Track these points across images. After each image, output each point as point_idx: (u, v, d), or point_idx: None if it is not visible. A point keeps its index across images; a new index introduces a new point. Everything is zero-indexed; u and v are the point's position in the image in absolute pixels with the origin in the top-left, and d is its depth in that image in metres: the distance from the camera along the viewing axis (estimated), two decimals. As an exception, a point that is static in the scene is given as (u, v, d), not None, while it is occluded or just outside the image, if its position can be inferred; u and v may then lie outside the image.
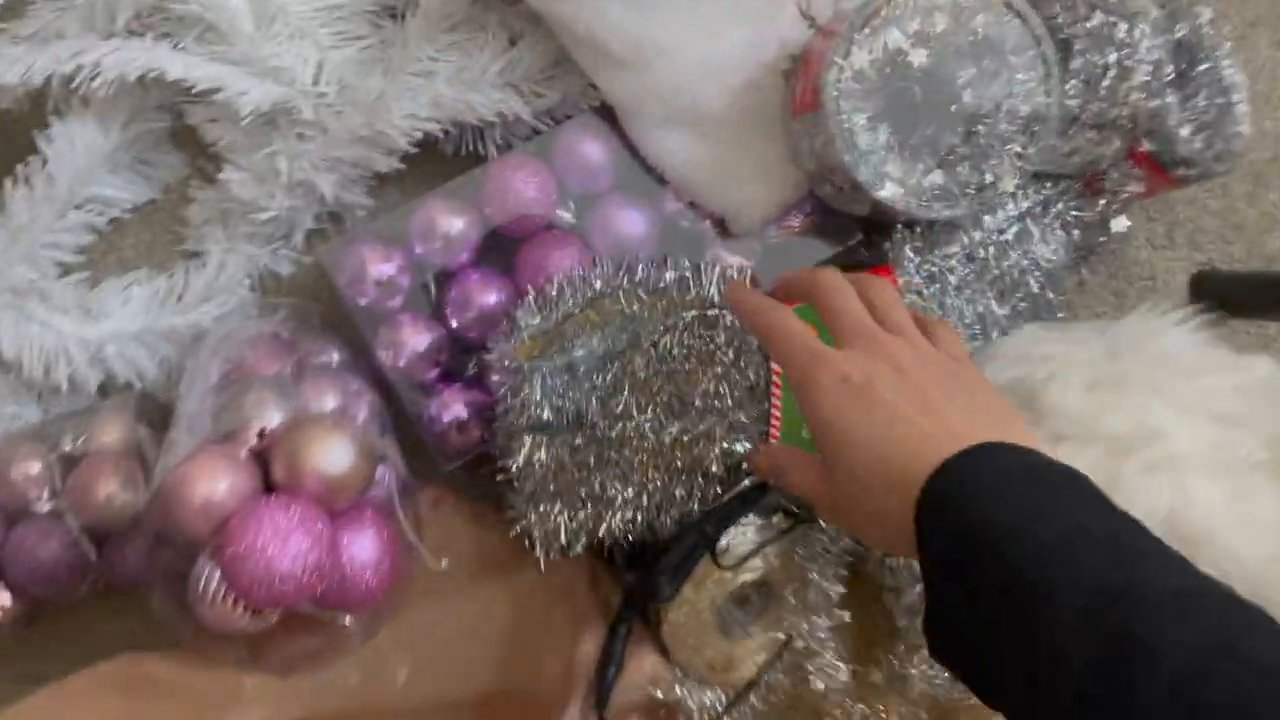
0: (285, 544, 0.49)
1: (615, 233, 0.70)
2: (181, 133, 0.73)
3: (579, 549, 0.65)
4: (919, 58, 0.60)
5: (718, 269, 0.63)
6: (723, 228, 0.71)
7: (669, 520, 0.68)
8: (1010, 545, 0.39)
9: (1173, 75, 0.67)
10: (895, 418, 0.46)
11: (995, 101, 0.61)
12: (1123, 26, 0.65)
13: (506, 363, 0.62)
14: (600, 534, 0.66)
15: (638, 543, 0.72)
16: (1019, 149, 0.62)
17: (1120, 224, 0.74)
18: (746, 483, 0.70)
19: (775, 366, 0.65)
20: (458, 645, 0.61)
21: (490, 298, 0.68)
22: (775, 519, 0.71)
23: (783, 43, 0.66)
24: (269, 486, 0.53)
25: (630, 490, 0.67)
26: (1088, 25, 0.65)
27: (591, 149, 0.70)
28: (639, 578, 0.71)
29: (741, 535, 0.71)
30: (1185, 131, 0.68)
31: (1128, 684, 0.34)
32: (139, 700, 0.53)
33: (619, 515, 0.67)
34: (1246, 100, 0.69)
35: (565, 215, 0.70)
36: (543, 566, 0.64)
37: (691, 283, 0.63)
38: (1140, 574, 0.37)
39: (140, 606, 0.73)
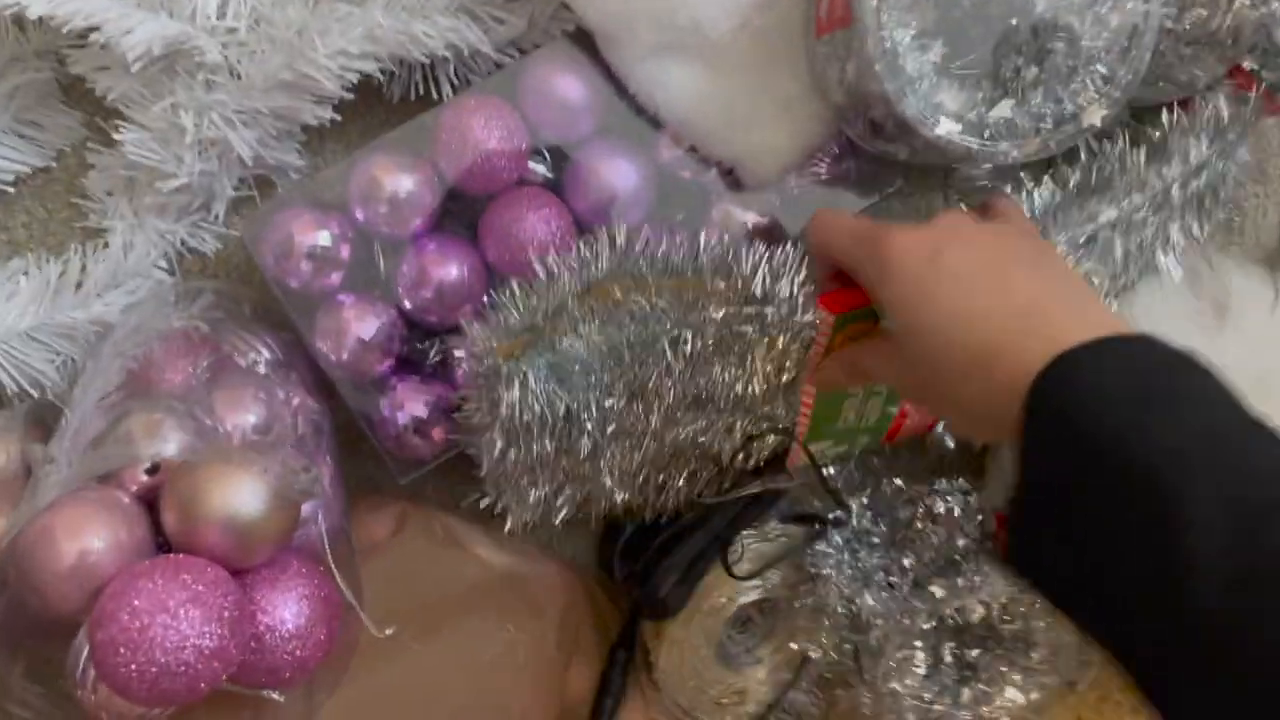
0: (175, 624, 0.37)
1: (600, 187, 0.58)
2: (74, 86, 0.61)
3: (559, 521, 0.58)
4: None
5: (762, 251, 0.52)
6: (732, 178, 0.59)
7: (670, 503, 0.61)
8: (1143, 446, 0.37)
9: None
10: (974, 291, 0.43)
11: (1077, 8, 0.48)
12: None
13: (482, 361, 0.51)
14: (590, 511, 0.59)
15: (639, 553, 0.62)
16: (1104, 71, 0.49)
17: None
18: (758, 485, 0.60)
19: (811, 354, 0.55)
20: (423, 705, 0.50)
21: (450, 271, 0.57)
22: (774, 528, 0.61)
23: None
24: (162, 539, 0.42)
25: (625, 481, 0.58)
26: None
27: (568, 85, 0.58)
28: (639, 586, 0.61)
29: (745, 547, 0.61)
30: None
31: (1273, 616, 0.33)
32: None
33: (612, 498, 0.59)
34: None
35: (538, 168, 0.59)
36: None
37: (731, 267, 0.51)
38: None
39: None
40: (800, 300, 0.53)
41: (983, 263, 0.44)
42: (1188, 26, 0.53)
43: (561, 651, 0.60)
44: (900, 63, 0.48)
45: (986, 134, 0.49)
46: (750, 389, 0.56)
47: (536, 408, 0.51)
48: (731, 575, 0.61)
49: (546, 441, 0.53)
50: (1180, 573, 0.34)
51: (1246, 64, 0.57)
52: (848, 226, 0.49)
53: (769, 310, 0.53)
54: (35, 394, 0.59)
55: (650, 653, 0.64)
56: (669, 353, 0.52)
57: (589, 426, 0.53)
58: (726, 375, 0.54)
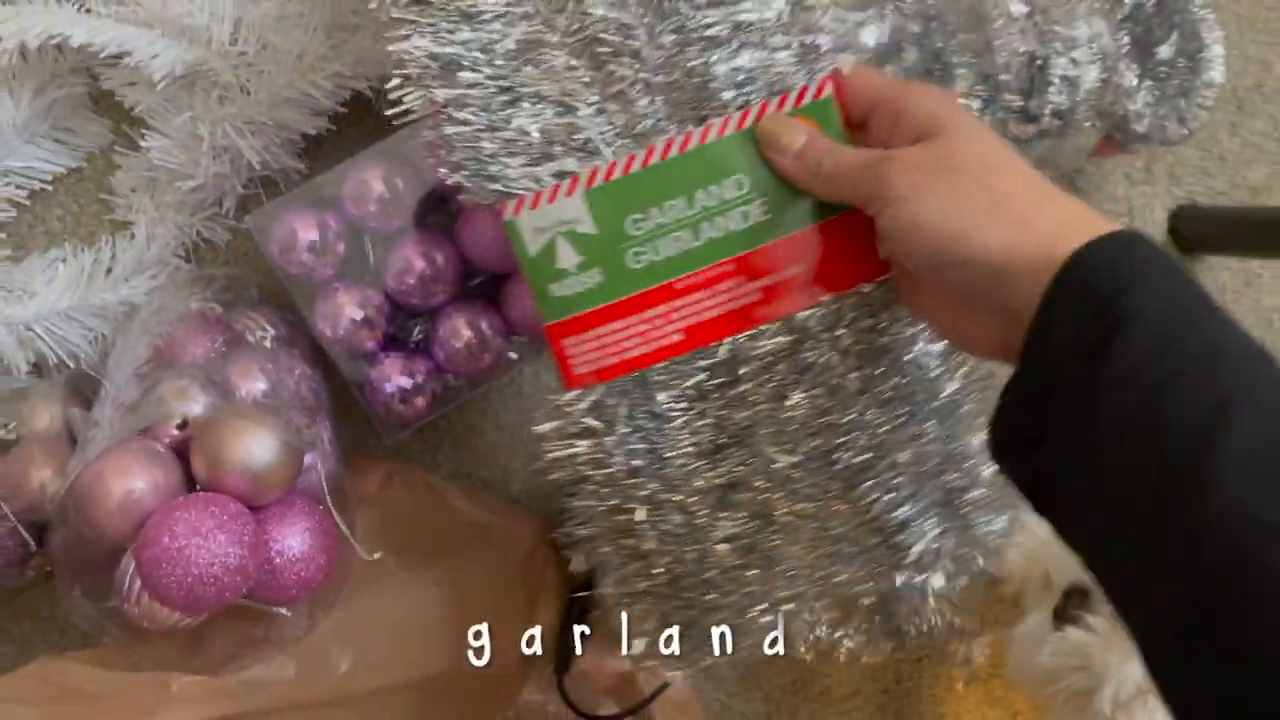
0: (204, 545, 0.47)
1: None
2: (103, 97, 0.70)
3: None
4: None
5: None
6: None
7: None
8: (1182, 346, 0.35)
9: (1128, 46, 0.64)
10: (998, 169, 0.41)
11: None
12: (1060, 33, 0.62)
13: None
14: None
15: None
16: None
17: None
18: None
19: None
20: (404, 629, 0.60)
21: (429, 259, 0.65)
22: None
23: None
24: (192, 482, 0.51)
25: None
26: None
27: (532, 102, 0.66)
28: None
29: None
30: (1141, 105, 0.65)
31: None
32: (57, 711, 0.51)
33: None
34: (1221, 43, 0.66)
35: None
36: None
37: None
38: None
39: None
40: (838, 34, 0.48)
41: (990, 161, 0.42)
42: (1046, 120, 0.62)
43: (526, 586, 0.69)
44: None
45: None
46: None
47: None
48: None
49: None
50: (1206, 482, 0.32)
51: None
52: (878, 77, 0.46)
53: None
54: (71, 365, 0.68)
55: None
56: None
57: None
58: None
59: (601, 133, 0.47)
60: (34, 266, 0.68)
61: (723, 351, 0.49)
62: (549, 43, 0.46)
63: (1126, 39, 0.65)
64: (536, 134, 0.47)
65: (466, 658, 0.60)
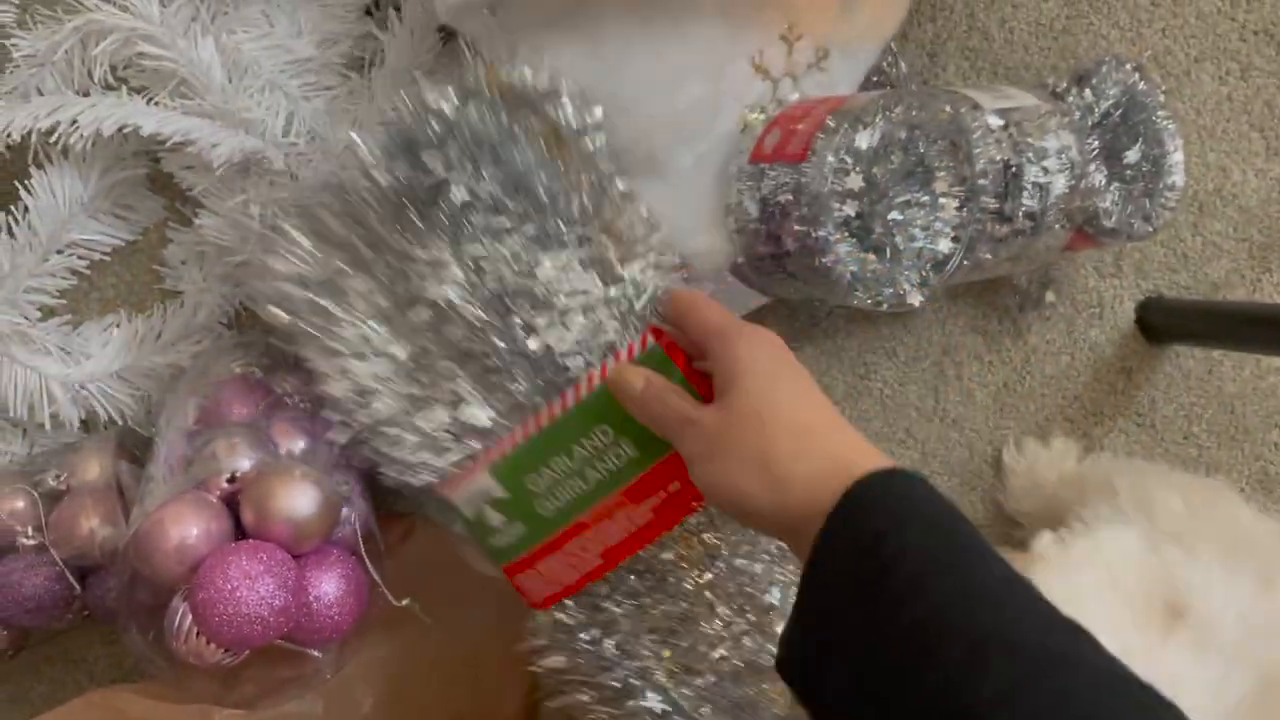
0: (254, 588, 0.52)
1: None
2: (159, 177, 0.76)
3: None
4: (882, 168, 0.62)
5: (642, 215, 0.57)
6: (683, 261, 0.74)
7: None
8: (932, 580, 0.39)
9: (1096, 149, 0.71)
10: (800, 394, 0.48)
11: (909, 230, 0.65)
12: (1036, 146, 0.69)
13: None
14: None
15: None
16: (918, 275, 0.65)
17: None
18: None
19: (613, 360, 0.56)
20: (422, 675, 0.64)
21: None
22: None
23: (736, 96, 0.69)
24: (240, 530, 0.57)
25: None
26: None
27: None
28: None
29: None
30: (1110, 203, 0.72)
31: None
32: (114, 735, 0.56)
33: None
34: (1182, 150, 0.73)
35: None
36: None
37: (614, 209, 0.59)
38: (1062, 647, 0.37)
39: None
40: (645, 290, 0.56)
41: (800, 389, 0.49)
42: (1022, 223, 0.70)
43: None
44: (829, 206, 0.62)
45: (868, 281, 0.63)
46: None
47: None
48: None
49: None
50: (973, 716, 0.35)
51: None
52: (705, 314, 0.53)
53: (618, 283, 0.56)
54: (119, 422, 0.74)
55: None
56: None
57: None
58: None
59: (490, 417, 0.56)
60: (90, 331, 0.74)
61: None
62: (432, 353, 0.56)
63: (1096, 144, 0.72)
64: (441, 430, 0.57)
65: (481, 705, 0.64)
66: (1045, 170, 0.69)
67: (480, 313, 0.55)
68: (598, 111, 0.57)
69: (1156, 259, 0.87)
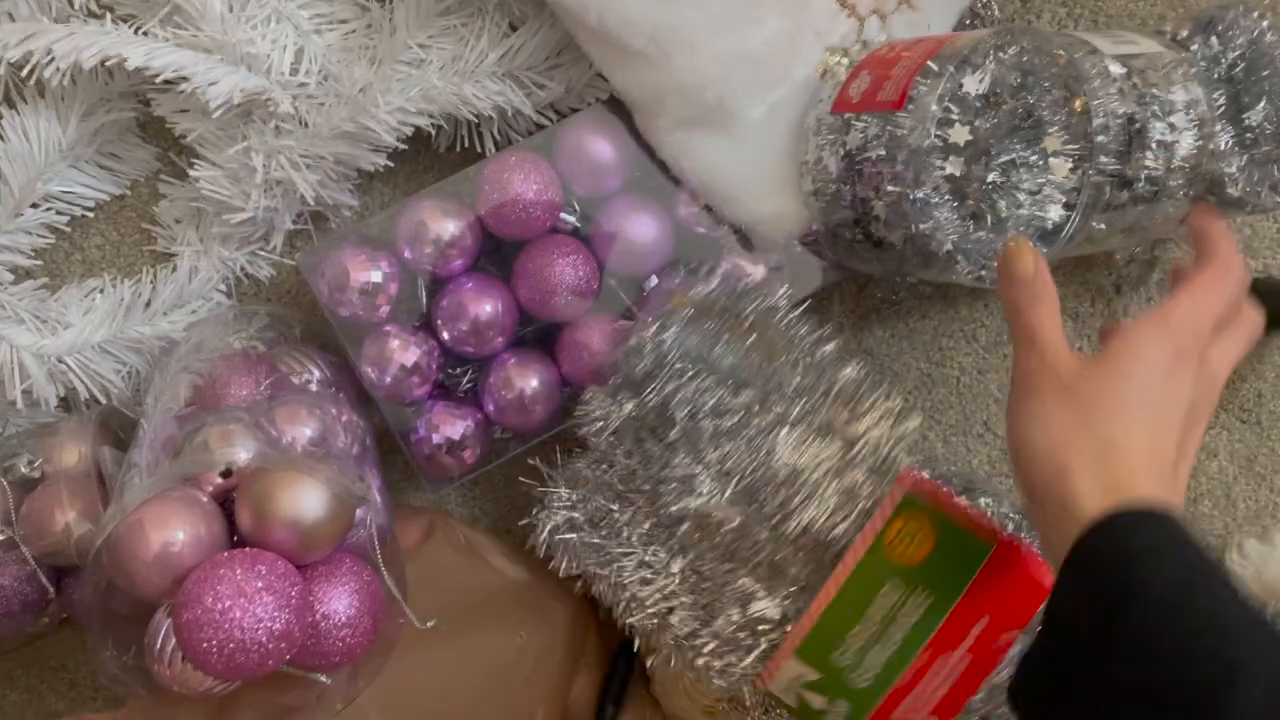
0: (249, 609, 0.43)
1: (624, 238, 0.64)
2: (151, 123, 0.67)
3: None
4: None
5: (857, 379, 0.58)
6: (741, 234, 0.65)
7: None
8: (1187, 617, 0.38)
9: (1223, 106, 0.62)
10: (1167, 414, 0.45)
11: (1014, 194, 0.56)
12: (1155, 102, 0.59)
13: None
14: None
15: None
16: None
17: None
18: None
19: (866, 527, 0.56)
20: (444, 699, 0.56)
21: (485, 307, 0.63)
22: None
23: (818, 33, 0.60)
24: (235, 535, 0.48)
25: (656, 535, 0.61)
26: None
27: (599, 147, 0.63)
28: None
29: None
30: (1235, 168, 0.63)
31: None
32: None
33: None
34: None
35: (568, 218, 0.65)
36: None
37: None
38: None
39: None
40: (884, 442, 0.57)
41: (1174, 408, 0.46)
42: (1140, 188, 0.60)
43: (568, 659, 0.65)
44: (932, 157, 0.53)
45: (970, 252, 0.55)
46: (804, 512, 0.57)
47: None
48: None
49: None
50: None
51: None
52: (1037, 320, 0.49)
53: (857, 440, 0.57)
54: (103, 400, 0.65)
55: (648, 665, 0.69)
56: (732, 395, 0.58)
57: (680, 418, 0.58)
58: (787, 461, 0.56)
59: (778, 605, 0.58)
60: (70, 297, 0.65)
61: None
62: (708, 559, 0.59)
63: (1223, 100, 0.63)
64: (739, 631, 0.58)
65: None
66: (1172, 127, 0.60)
67: (735, 513, 0.57)
68: (784, 289, 0.61)
69: (1268, 235, 0.78)
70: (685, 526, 0.58)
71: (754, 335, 0.59)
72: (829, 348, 0.59)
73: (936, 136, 0.53)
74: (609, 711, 0.68)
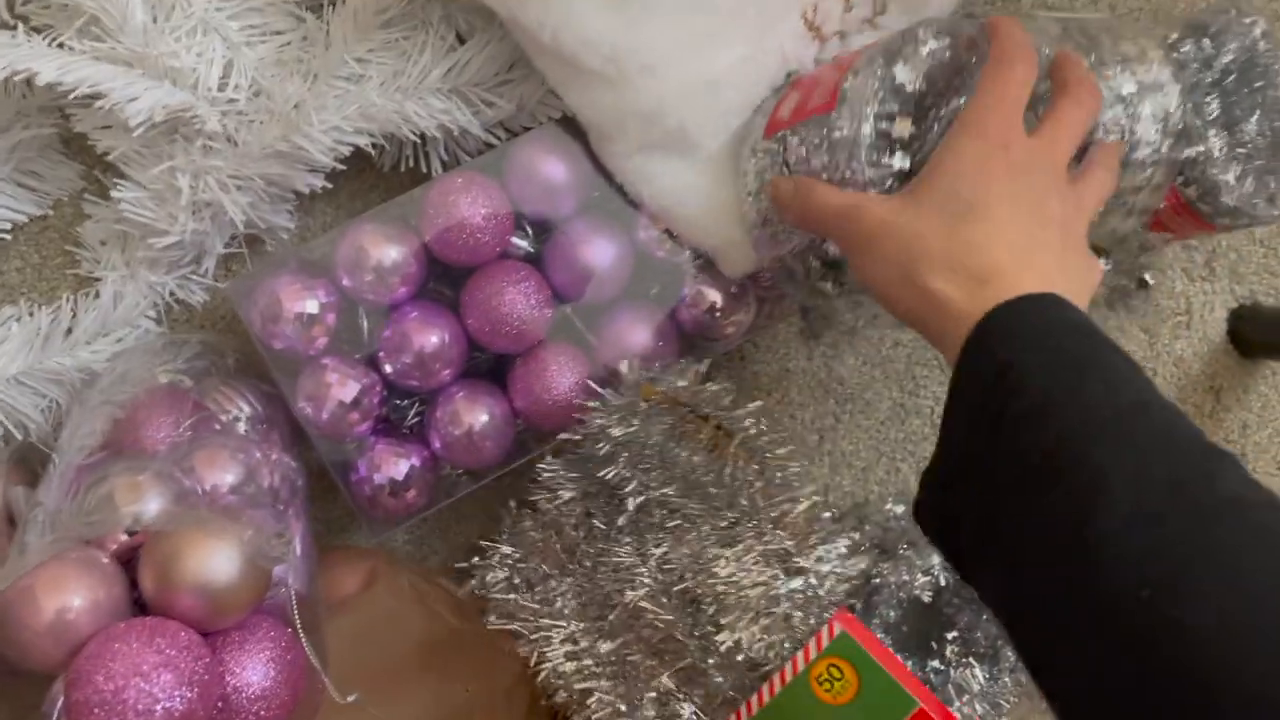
0: (148, 687, 0.39)
1: (579, 263, 0.60)
2: (74, 139, 0.63)
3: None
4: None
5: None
6: (704, 259, 0.61)
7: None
8: (1071, 412, 0.38)
9: (1216, 113, 0.58)
10: (1034, 210, 0.45)
11: None
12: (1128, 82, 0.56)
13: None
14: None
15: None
16: None
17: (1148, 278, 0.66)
18: None
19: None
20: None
21: (431, 338, 0.59)
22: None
23: (785, 57, 0.56)
24: (138, 597, 0.44)
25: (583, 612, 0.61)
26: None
27: (552, 167, 0.60)
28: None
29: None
30: (1231, 177, 0.60)
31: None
32: None
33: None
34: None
35: (520, 243, 0.61)
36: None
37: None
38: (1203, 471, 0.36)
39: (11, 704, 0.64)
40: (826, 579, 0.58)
41: (1042, 196, 0.46)
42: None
43: (512, 707, 0.62)
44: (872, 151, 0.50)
45: None
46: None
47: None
48: None
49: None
50: (1093, 548, 0.35)
51: (1185, 195, 0.61)
52: (823, 205, 0.49)
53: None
54: (20, 436, 0.61)
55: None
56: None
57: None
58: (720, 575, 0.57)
59: (693, 713, 0.57)
60: (-16, 325, 0.61)
61: None
62: (635, 652, 0.58)
63: (1216, 108, 0.60)
64: None
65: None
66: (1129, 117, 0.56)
67: (669, 615, 0.57)
68: (755, 405, 0.60)
69: (1254, 260, 0.75)
70: (616, 613, 0.57)
71: (719, 441, 0.58)
72: (793, 467, 0.59)
73: (877, 127, 0.50)
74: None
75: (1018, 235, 0.44)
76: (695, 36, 0.54)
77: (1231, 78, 0.62)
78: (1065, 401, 0.38)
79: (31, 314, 0.62)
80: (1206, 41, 0.61)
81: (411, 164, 0.63)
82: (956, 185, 0.45)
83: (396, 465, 0.60)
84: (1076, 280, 0.45)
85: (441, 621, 0.62)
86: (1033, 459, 0.38)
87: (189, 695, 0.40)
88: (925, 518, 0.44)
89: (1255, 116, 0.63)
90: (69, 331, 0.61)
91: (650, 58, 0.53)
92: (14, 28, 0.56)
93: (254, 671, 0.44)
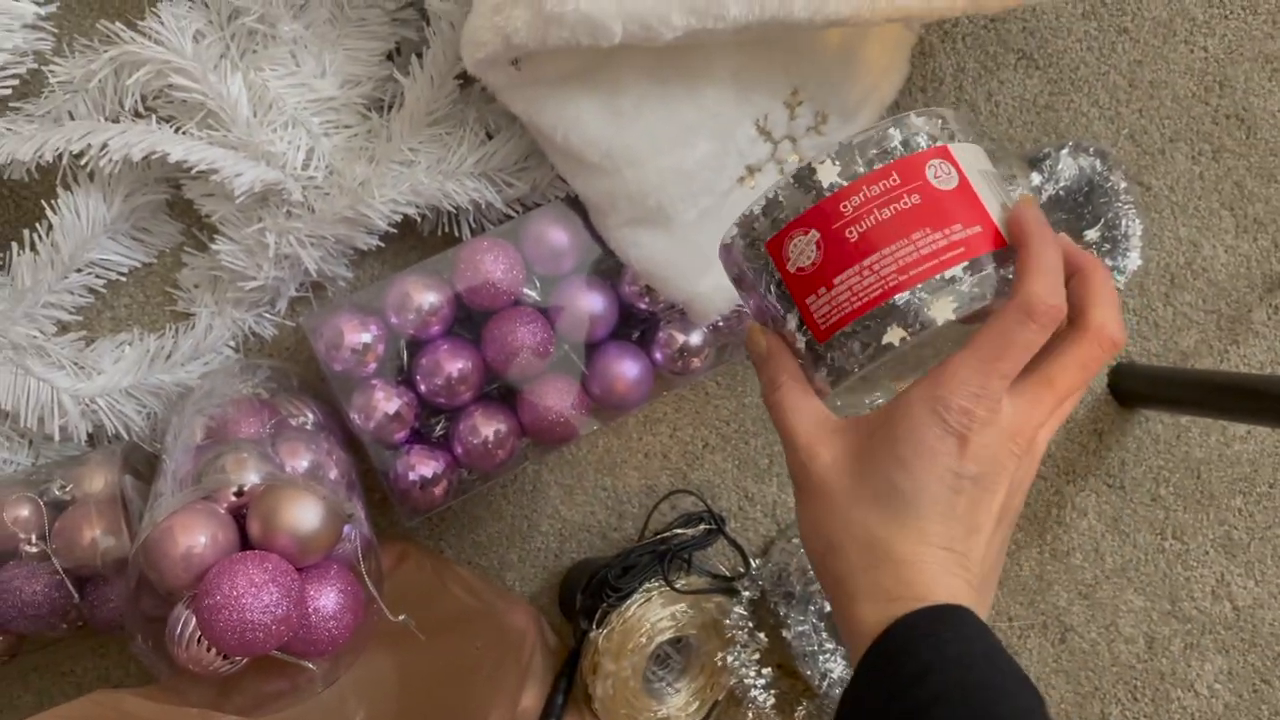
0: (258, 597, 0.54)
1: (577, 310, 0.76)
2: (178, 203, 0.79)
3: None
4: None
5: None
6: (677, 309, 0.77)
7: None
8: None
9: (1062, 225, 0.75)
10: (969, 518, 0.42)
11: None
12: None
13: None
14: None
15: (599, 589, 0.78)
16: None
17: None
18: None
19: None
20: (411, 693, 0.66)
21: (457, 365, 0.74)
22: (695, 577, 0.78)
23: (741, 154, 0.73)
24: (246, 542, 0.59)
25: None
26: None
27: (557, 235, 0.76)
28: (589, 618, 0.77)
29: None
30: None
31: None
32: (115, 734, 0.57)
33: None
34: (1140, 236, 0.77)
35: (531, 293, 0.76)
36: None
37: None
38: None
39: (119, 646, 0.78)
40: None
41: (989, 505, 0.42)
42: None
43: (519, 671, 0.75)
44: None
45: None
46: None
47: None
48: (671, 588, 0.77)
49: None
50: None
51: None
52: (782, 418, 0.46)
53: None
54: (125, 437, 0.76)
55: (589, 686, 0.79)
56: None
57: None
58: None
59: None
60: (103, 348, 0.76)
61: None
62: None
63: (1059, 219, 0.76)
64: None
65: (464, 724, 0.66)
66: None
67: None
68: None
69: (1129, 327, 0.91)
70: None
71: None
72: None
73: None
74: (552, 723, 0.78)
75: (940, 555, 0.41)
76: (670, 139, 0.70)
77: (1078, 196, 0.78)
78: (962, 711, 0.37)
79: (141, 339, 0.77)
80: (1035, 175, 0.77)
81: (446, 230, 0.79)
82: (899, 475, 0.42)
83: (427, 466, 0.74)
84: (986, 590, 0.43)
85: (456, 597, 0.76)
86: None
87: (285, 604, 0.55)
88: None
89: (1098, 225, 0.80)
90: (169, 355, 0.76)
91: (636, 154, 0.69)
92: (148, 117, 0.72)
93: (327, 599, 0.58)
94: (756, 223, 0.46)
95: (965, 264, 0.43)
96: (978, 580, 0.42)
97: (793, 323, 0.46)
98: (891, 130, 0.45)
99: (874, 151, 0.44)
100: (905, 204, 0.43)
